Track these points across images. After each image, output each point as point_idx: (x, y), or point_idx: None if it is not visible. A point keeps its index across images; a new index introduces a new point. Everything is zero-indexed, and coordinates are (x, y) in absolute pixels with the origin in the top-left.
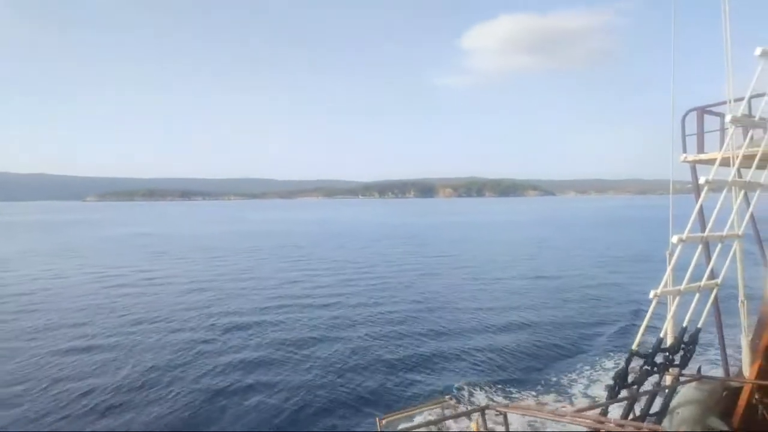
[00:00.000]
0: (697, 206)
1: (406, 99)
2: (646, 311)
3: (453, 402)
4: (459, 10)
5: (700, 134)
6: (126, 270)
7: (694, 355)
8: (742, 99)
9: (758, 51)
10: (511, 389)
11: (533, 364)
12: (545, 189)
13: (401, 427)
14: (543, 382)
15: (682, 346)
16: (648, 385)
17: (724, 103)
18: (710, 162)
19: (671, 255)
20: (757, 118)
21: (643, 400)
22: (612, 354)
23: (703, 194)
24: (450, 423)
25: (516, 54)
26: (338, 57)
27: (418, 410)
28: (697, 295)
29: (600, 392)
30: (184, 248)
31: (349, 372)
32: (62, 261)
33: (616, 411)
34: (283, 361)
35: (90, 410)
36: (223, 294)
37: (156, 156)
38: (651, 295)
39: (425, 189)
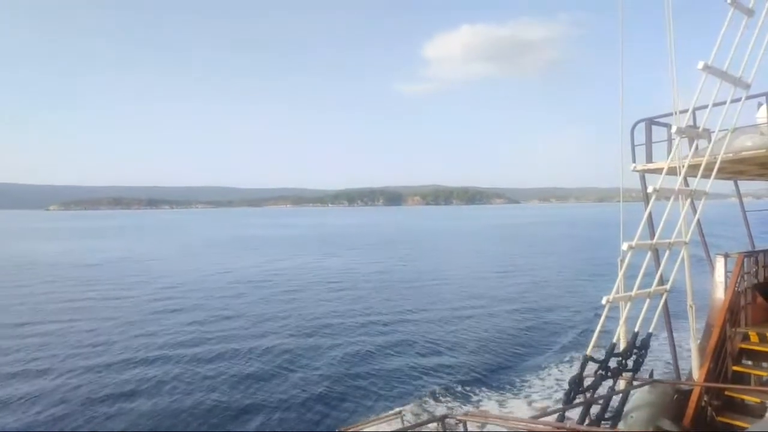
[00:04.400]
0: (646, 214)
1: (371, 106)
2: (600, 317)
3: (411, 412)
4: (422, 20)
5: (649, 144)
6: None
7: (646, 360)
8: (686, 111)
9: (701, 65)
10: (470, 397)
11: (492, 372)
12: (510, 197)
13: None
14: (502, 389)
15: (635, 350)
16: (603, 390)
17: (671, 114)
18: (658, 171)
19: (622, 262)
20: (701, 129)
21: (599, 404)
22: (569, 360)
23: (651, 202)
24: None
25: (477, 62)
26: (300, 61)
27: (376, 422)
28: (648, 301)
29: (558, 397)
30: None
31: (303, 384)
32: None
33: (572, 416)
34: (233, 373)
35: None
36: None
37: (120, 163)
38: (603, 301)
39: (393, 197)
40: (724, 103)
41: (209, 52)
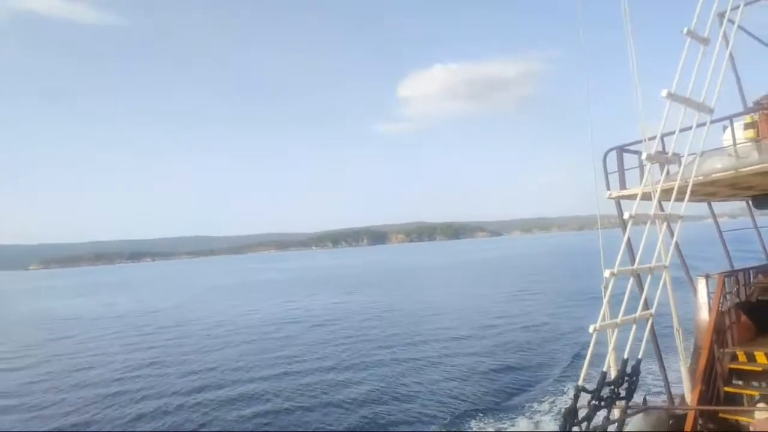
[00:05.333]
0: (624, 239)
1: (350, 147)
2: (588, 345)
3: None
4: (396, 60)
5: (621, 171)
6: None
7: (638, 386)
8: (655, 137)
9: (664, 93)
10: None
11: (484, 406)
12: (493, 230)
13: None
14: (496, 423)
15: (626, 378)
16: (598, 420)
17: (640, 141)
18: (632, 197)
19: (606, 289)
20: (670, 154)
21: None
22: (560, 391)
23: (628, 228)
24: None
25: (453, 101)
26: (272, 107)
27: None
28: (635, 326)
29: (553, 430)
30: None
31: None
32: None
33: None
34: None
35: None
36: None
37: (96, 219)
38: (591, 329)
39: (377, 236)
40: (690, 128)
41: (183, 96)
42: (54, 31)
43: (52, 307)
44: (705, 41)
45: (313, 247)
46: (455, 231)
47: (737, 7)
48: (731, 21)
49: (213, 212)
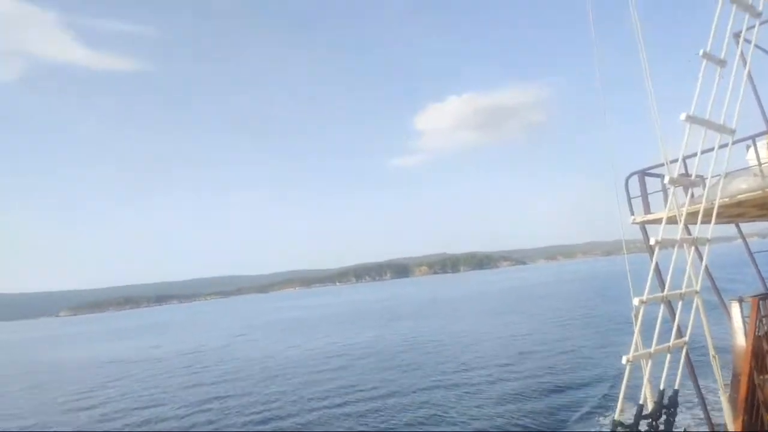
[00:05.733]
0: (653, 265)
1: (365, 181)
2: (622, 376)
3: None
4: (413, 94)
5: (644, 196)
6: None
7: (676, 418)
8: (677, 160)
9: (683, 116)
10: None
11: None
12: (517, 258)
13: None
14: None
15: (663, 410)
16: None
17: (662, 165)
18: (657, 221)
19: (636, 317)
20: (693, 177)
21: None
22: (597, 424)
23: (655, 254)
24: None
25: (465, 131)
26: (293, 141)
27: None
28: (669, 355)
29: None
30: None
31: None
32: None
33: None
34: None
35: None
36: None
37: (120, 263)
38: (624, 360)
39: (400, 269)
40: (712, 149)
41: (199, 135)
42: (77, 78)
43: (100, 350)
44: (722, 63)
45: (337, 283)
46: (479, 261)
47: (753, 27)
48: (747, 41)
49: (237, 251)
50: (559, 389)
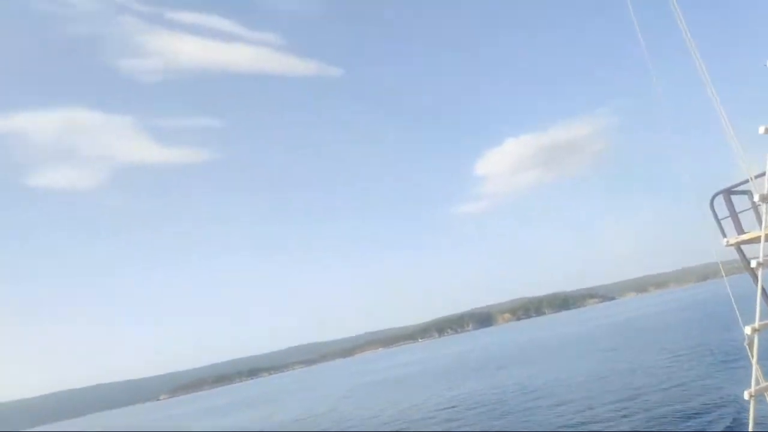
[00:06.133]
0: (759, 289)
1: (431, 232)
2: (744, 413)
3: None
4: (468, 141)
5: (734, 215)
6: None
7: None
8: (763, 174)
9: (762, 129)
10: None
11: None
12: (603, 295)
13: None
14: None
15: None
16: None
17: (746, 181)
18: (755, 241)
19: (750, 346)
20: None
21: None
22: None
23: (759, 276)
24: None
25: (526, 171)
26: (343, 196)
27: None
28: None
29: None
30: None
31: None
32: None
33: None
34: None
35: None
36: None
37: (210, 342)
38: (746, 396)
39: (482, 319)
40: None
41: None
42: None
43: (222, 424)
44: None
45: (419, 339)
46: (563, 301)
47: None
48: None
49: (316, 318)
50: (680, 424)
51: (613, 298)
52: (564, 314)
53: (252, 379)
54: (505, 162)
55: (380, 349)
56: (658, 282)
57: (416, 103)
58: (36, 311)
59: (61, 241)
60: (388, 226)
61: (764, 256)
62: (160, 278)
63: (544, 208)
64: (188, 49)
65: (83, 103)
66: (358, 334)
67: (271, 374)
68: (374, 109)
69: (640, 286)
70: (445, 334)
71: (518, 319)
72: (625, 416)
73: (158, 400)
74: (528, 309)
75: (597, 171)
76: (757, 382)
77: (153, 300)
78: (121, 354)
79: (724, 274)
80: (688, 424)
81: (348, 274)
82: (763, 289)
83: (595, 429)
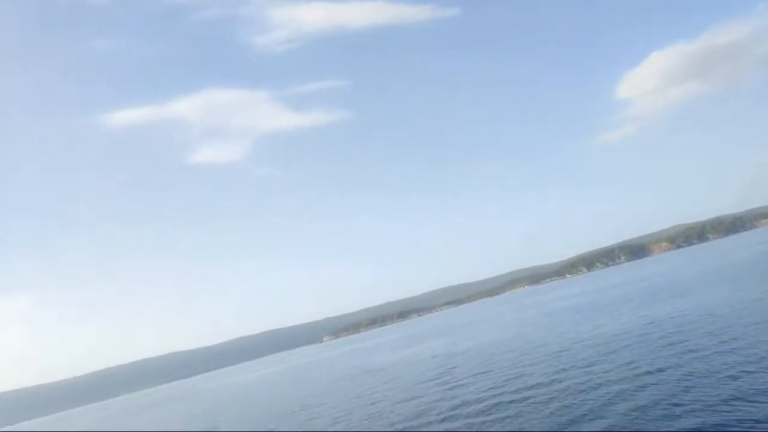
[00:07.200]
0: None
1: (571, 164)
2: None
3: None
4: (604, 64)
5: None
6: None
7: None
8: None
9: None
10: None
11: None
12: None
13: None
14: None
15: None
16: None
17: None
18: None
19: None
20: None
21: None
22: None
23: None
24: None
25: (675, 87)
26: (479, 138)
27: None
28: None
29: None
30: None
31: None
32: None
33: None
34: None
35: None
36: None
37: (365, 287)
38: None
39: (636, 250)
40: None
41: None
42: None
43: (406, 354)
44: None
45: (567, 275)
46: (729, 225)
47: None
48: None
49: (461, 260)
50: None
51: None
52: (732, 238)
53: (402, 320)
54: (651, 79)
55: (527, 286)
56: None
57: (541, 37)
58: (216, 267)
59: (224, 212)
60: (529, 164)
61: None
62: (312, 230)
63: (701, 123)
64: (309, 16)
65: (223, 82)
66: (503, 272)
67: (420, 315)
68: (496, 48)
69: None
70: (595, 268)
71: (678, 247)
72: None
73: (321, 342)
74: (689, 236)
75: (765, 76)
76: None
77: (309, 252)
78: (281, 304)
79: None
80: None
81: (488, 214)
82: None
83: None
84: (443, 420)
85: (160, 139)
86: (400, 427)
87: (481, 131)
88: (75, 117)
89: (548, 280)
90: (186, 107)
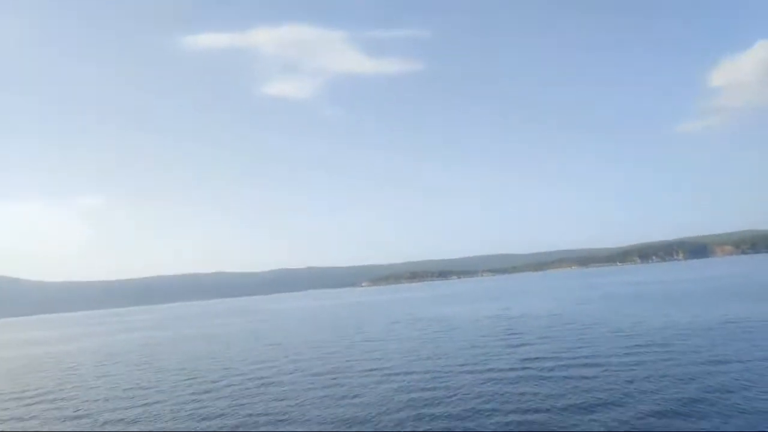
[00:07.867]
0: None
1: (646, 151)
2: None
3: None
4: (705, 46)
5: None
6: None
7: None
8: None
9: None
10: None
11: None
12: None
13: None
14: None
15: None
16: None
17: None
18: None
19: None
20: None
21: None
22: None
23: None
24: None
25: None
26: (555, 121)
27: None
28: None
29: None
30: None
31: None
32: None
33: None
34: None
35: None
36: None
37: (407, 242)
38: None
39: (697, 249)
40: None
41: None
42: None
43: (460, 310)
44: None
45: (618, 263)
46: None
47: None
48: None
49: (509, 230)
50: None
51: None
52: None
53: (441, 279)
54: (751, 70)
55: (574, 267)
56: None
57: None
58: (273, 202)
59: (288, 144)
60: (602, 141)
61: None
62: (363, 176)
63: None
64: None
65: (302, 17)
66: (555, 249)
67: (459, 278)
68: (587, 13)
69: None
70: (650, 261)
71: (742, 252)
72: None
73: (360, 286)
74: (756, 243)
75: None
76: None
77: (355, 196)
78: (328, 244)
79: None
80: None
81: (546, 185)
82: None
83: None
84: (511, 368)
85: (235, 67)
86: (468, 368)
87: (565, 95)
88: (159, 35)
89: (597, 264)
90: (264, 38)
